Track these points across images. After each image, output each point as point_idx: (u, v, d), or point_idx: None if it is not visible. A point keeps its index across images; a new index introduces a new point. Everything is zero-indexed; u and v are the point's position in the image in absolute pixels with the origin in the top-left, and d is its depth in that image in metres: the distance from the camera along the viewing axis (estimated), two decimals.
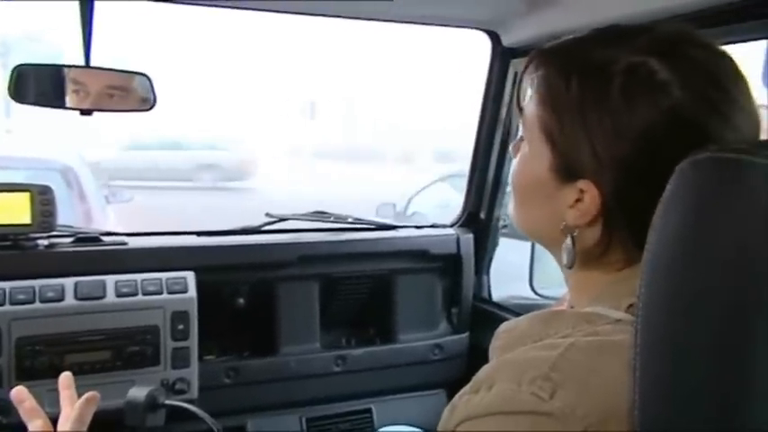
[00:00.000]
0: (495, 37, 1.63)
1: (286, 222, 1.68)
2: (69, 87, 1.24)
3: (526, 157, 0.71)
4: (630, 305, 0.63)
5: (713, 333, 0.51)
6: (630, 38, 0.65)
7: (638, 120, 0.61)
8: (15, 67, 1.19)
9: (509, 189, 0.78)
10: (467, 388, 0.62)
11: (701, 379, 0.51)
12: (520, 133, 0.75)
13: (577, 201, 0.65)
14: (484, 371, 0.62)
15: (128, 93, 1.29)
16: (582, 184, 0.64)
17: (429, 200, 4.69)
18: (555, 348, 0.59)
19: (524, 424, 0.56)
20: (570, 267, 0.68)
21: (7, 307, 1.27)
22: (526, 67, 0.72)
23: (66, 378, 0.97)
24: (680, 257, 0.53)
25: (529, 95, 0.70)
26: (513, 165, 0.75)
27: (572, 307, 0.74)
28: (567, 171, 0.66)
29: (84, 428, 0.90)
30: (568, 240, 0.67)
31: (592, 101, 0.63)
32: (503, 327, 0.75)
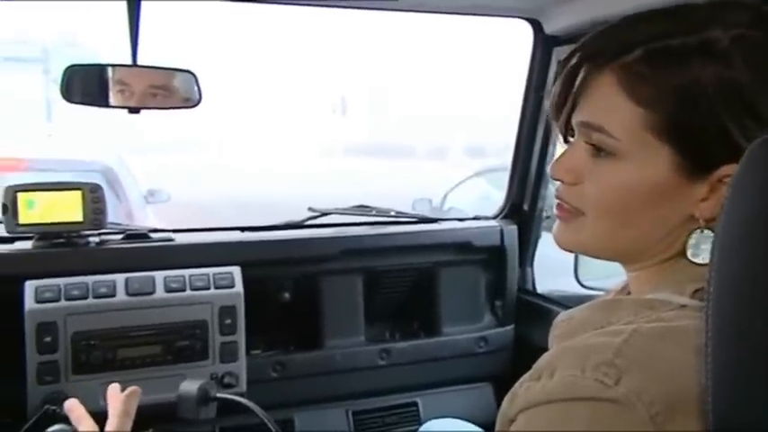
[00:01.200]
0: (537, 25, 1.60)
1: (329, 217, 1.69)
2: (115, 86, 1.27)
3: (623, 170, 0.64)
4: (696, 290, 0.62)
5: None
6: (709, 13, 0.62)
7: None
8: (67, 68, 1.22)
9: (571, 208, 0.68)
10: (527, 375, 0.62)
11: None
12: (577, 146, 0.68)
13: (711, 191, 0.62)
14: (545, 358, 0.61)
15: (173, 90, 1.30)
16: (724, 170, 0.61)
17: (465, 195, 4.65)
18: (618, 335, 0.58)
19: (588, 411, 0.55)
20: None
21: (63, 302, 1.30)
22: (575, 73, 0.66)
23: (132, 393, 1.00)
24: (752, 240, 0.52)
25: (592, 102, 0.65)
26: (594, 189, 0.66)
27: (629, 293, 0.72)
28: (699, 165, 0.62)
29: (130, 422, 0.92)
30: (704, 234, 0.63)
31: (712, 80, 0.60)
32: (561, 316, 0.73)
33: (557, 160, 0.70)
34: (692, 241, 0.64)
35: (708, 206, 0.62)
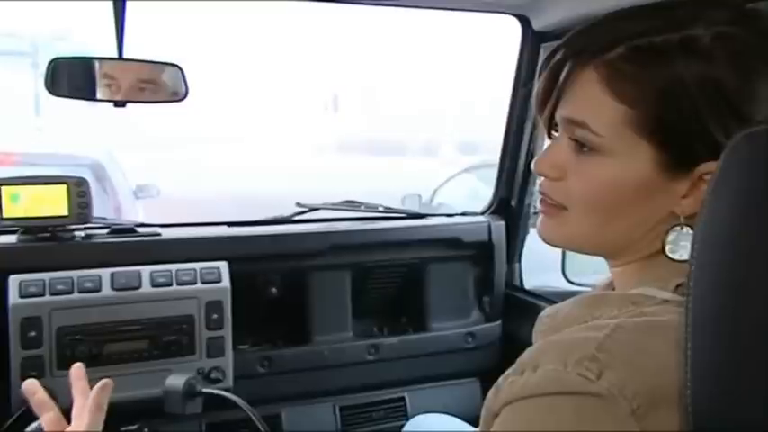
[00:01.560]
0: (525, 21, 1.61)
1: (317, 212, 1.69)
2: (102, 80, 1.26)
3: (605, 166, 0.64)
4: (678, 285, 0.62)
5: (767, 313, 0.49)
6: (688, 11, 0.62)
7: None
8: (51, 61, 1.20)
9: (569, 207, 0.68)
10: (511, 370, 0.62)
11: (754, 359, 0.50)
12: (561, 142, 0.68)
13: (692, 187, 0.62)
14: (529, 352, 0.61)
15: (160, 84, 1.29)
16: (704, 167, 0.61)
17: (455, 191, 4.66)
18: (601, 329, 0.58)
19: (570, 405, 0.55)
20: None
21: (47, 297, 1.29)
22: (560, 69, 0.66)
23: (77, 369, 0.94)
24: (731, 235, 0.52)
25: (575, 98, 0.65)
26: (578, 184, 0.66)
27: (614, 289, 0.73)
28: (680, 162, 0.62)
29: (102, 416, 0.87)
30: (683, 231, 0.64)
31: (694, 78, 0.60)
32: (546, 311, 0.73)
33: (541, 156, 0.70)
34: (670, 238, 0.64)
35: (688, 203, 0.63)
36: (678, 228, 0.64)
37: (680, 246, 0.64)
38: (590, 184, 0.65)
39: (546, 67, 0.68)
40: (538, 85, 0.70)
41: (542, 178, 0.71)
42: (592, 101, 0.64)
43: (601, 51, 0.63)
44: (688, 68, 0.60)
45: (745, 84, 0.60)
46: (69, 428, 0.86)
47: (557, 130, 0.70)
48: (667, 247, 0.64)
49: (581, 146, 0.65)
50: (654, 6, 0.65)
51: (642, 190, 0.63)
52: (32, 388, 0.90)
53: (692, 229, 0.62)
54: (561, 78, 0.66)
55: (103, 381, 0.89)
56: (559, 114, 0.68)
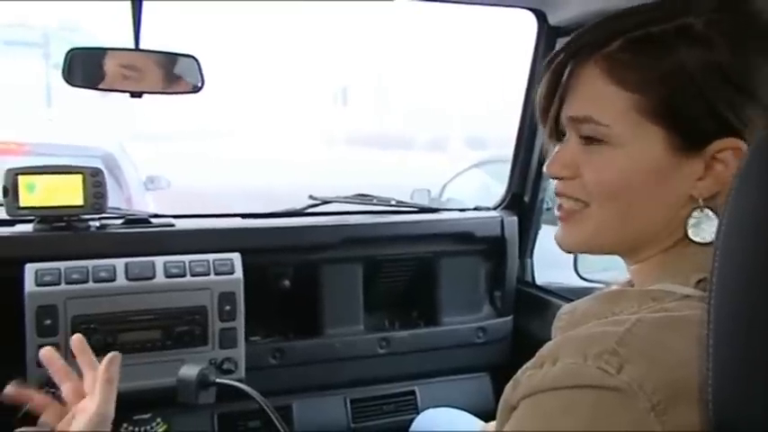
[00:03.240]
0: (541, 16, 1.60)
1: (330, 205, 1.69)
2: (118, 71, 1.26)
3: (617, 155, 0.65)
4: (700, 281, 0.62)
5: None
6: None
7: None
8: (69, 51, 1.21)
9: (587, 204, 0.69)
10: (530, 363, 0.62)
11: None
12: (569, 142, 0.69)
13: (707, 168, 0.64)
14: (548, 346, 0.61)
15: (176, 75, 1.30)
16: (716, 145, 0.63)
17: (464, 186, 4.66)
18: (621, 324, 0.58)
19: (590, 399, 0.55)
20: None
21: (63, 286, 1.30)
22: (561, 71, 0.68)
23: (79, 341, 0.92)
24: (756, 232, 0.52)
25: (579, 96, 0.67)
26: (594, 176, 0.67)
27: (632, 286, 0.73)
28: (691, 141, 0.63)
29: (114, 389, 0.86)
30: (704, 213, 0.64)
31: (694, 62, 0.62)
32: (565, 308, 0.74)
33: (551, 159, 0.71)
34: (692, 221, 0.65)
35: (705, 185, 0.64)
36: (699, 210, 0.64)
37: (701, 228, 0.65)
38: (604, 174, 0.66)
39: (546, 71, 0.70)
40: (539, 90, 0.72)
41: (557, 182, 0.71)
42: (596, 94, 0.66)
43: (599, 46, 0.66)
44: (687, 53, 0.62)
45: (742, 61, 0.62)
46: (81, 405, 0.87)
47: (560, 139, 0.71)
48: (690, 231, 0.65)
49: (590, 141, 0.67)
50: (648, 4, 0.67)
51: (657, 174, 0.64)
52: (51, 356, 0.91)
53: (712, 211, 0.64)
54: (563, 79, 0.68)
55: (112, 353, 0.89)
56: (565, 115, 0.69)
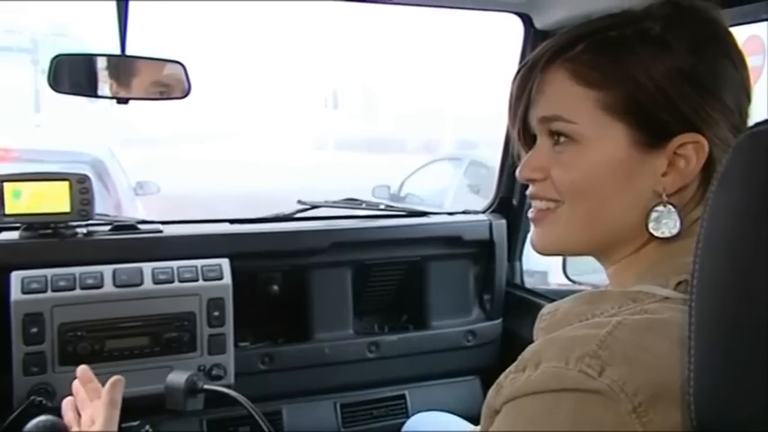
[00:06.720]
0: (527, 19, 1.61)
1: (318, 209, 1.69)
2: (104, 77, 1.26)
3: (584, 152, 0.67)
4: (680, 282, 0.62)
5: None
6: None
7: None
8: (54, 58, 1.20)
9: (560, 204, 0.70)
10: (513, 367, 0.62)
11: (757, 357, 0.50)
12: (539, 146, 0.71)
13: (670, 165, 0.66)
14: (530, 350, 0.62)
15: (162, 81, 1.30)
16: (679, 139, 0.65)
17: (422, 182, 4.87)
18: (602, 327, 0.59)
19: (572, 402, 0.55)
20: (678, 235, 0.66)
21: (49, 293, 1.29)
22: (529, 77, 0.71)
23: (84, 373, 1.00)
24: (737, 233, 0.52)
25: (547, 97, 0.70)
26: (562, 174, 0.69)
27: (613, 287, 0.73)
28: (653, 137, 0.66)
29: (117, 412, 0.91)
30: (666, 209, 0.66)
31: (654, 62, 0.65)
32: (546, 309, 0.74)
33: (522, 164, 0.74)
34: (653, 215, 0.67)
35: (669, 180, 0.66)
36: (662, 206, 0.66)
37: (662, 223, 0.66)
38: (572, 172, 0.68)
39: (515, 79, 0.73)
40: (509, 96, 0.75)
41: (529, 187, 0.74)
42: (563, 95, 0.69)
43: (564, 50, 0.69)
44: (645, 53, 0.66)
45: (700, 61, 0.66)
46: (85, 429, 0.89)
47: (531, 146, 0.74)
48: (650, 225, 0.67)
49: (558, 138, 0.69)
50: (614, 12, 0.71)
51: (621, 170, 0.66)
52: (87, 376, 0.99)
53: (673, 206, 0.66)
54: (532, 83, 0.71)
55: (115, 377, 0.93)
56: (535, 117, 0.72)
